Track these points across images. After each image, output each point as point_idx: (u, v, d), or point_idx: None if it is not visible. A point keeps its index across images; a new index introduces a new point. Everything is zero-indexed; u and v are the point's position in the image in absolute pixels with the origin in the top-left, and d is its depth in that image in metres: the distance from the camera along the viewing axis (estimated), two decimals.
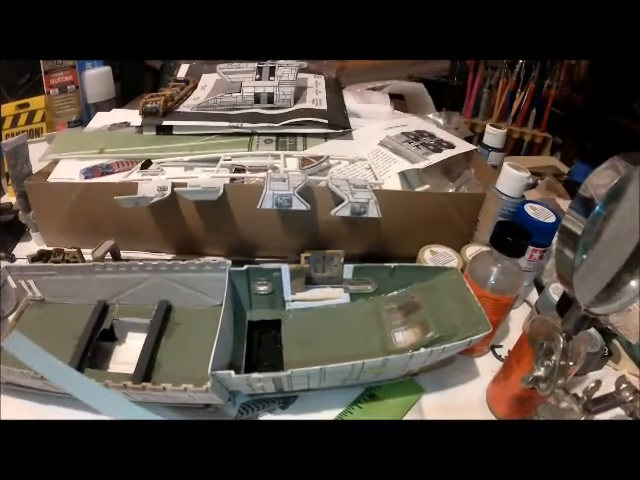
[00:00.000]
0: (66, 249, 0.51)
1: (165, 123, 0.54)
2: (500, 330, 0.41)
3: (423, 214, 0.45)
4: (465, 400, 0.37)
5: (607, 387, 0.28)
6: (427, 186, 0.49)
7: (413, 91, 0.61)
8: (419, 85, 0.60)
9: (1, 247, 0.55)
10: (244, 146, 0.51)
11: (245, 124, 0.52)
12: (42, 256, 0.50)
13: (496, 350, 0.43)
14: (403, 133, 0.53)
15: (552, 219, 0.42)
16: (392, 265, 0.37)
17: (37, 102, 0.66)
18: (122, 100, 0.69)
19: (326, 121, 0.51)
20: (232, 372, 0.28)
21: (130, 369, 0.34)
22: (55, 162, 0.55)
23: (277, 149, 0.50)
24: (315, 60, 0.63)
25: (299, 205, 0.38)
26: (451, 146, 0.52)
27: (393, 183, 0.46)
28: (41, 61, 0.65)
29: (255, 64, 0.57)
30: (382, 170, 0.48)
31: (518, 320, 0.45)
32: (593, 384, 0.27)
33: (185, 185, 0.42)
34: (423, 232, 0.45)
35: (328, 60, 0.65)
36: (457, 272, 0.37)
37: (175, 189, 0.41)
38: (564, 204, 0.49)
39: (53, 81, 0.66)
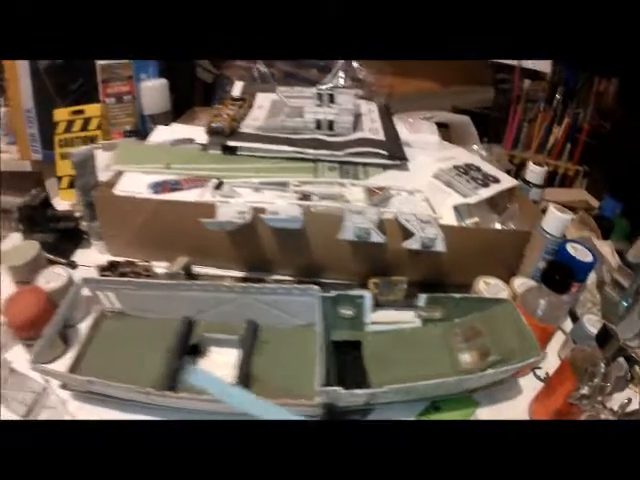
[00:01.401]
0: (138, 262, 0.58)
1: (231, 144, 0.61)
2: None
3: (476, 247, 0.53)
4: (512, 414, 0.46)
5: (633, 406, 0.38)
6: (476, 219, 0.58)
7: (460, 123, 0.70)
8: (466, 117, 0.69)
9: (61, 253, 0.62)
10: (309, 172, 0.59)
11: (309, 150, 0.60)
12: (112, 267, 0.58)
13: (536, 372, 0.52)
14: (454, 166, 0.62)
15: (590, 259, 0.51)
16: (458, 296, 0.46)
17: (93, 110, 0.73)
18: (174, 113, 0.76)
19: (386, 153, 0.60)
20: (340, 388, 0.36)
21: None
22: (119, 173, 0.62)
23: (341, 177, 0.58)
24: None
25: (377, 238, 0.47)
26: (496, 180, 0.61)
27: (448, 216, 0.55)
28: (98, 70, 0.72)
29: (314, 89, 0.65)
30: (438, 202, 0.57)
31: (553, 346, 0.55)
32: (626, 400, 0.37)
33: (263, 210, 0.50)
34: (474, 263, 0.54)
35: (376, 87, 0.73)
36: (512, 304, 0.46)
37: (260, 216, 0.49)
38: (599, 244, 0.59)
39: (110, 90, 0.73)
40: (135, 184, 0.59)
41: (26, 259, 0.53)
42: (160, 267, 0.57)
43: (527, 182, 0.64)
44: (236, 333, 0.46)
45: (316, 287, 0.45)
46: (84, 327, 0.50)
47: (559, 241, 0.53)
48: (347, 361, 0.43)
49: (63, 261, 0.62)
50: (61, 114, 0.73)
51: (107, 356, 0.46)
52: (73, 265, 0.62)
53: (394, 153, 0.60)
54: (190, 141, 0.65)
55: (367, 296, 0.45)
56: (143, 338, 0.48)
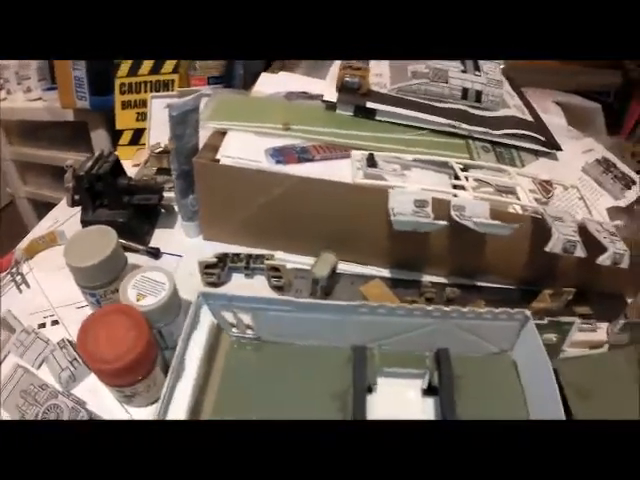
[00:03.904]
0: (265, 259, 0.40)
1: (369, 105, 0.43)
2: None
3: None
4: None
5: None
6: (619, 222, 0.47)
7: (588, 109, 0.56)
8: (597, 105, 0.55)
9: (136, 237, 0.42)
10: (463, 151, 0.43)
11: (464, 125, 0.44)
12: (220, 262, 0.40)
13: None
14: (597, 161, 0.49)
15: None
16: None
17: None
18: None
19: (543, 139, 0.45)
20: None
21: None
22: (220, 133, 0.42)
23: (497, 161, 0.43)
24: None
25: (581, 252, 0.34)
26: (633, 181, 0.50)
27: (602, 218, 0.43)
28: None
29: None
30: (591, 202, 0.45)
31: None
32: None
33: (445, 204, 0.35)
34: (623, 273, 0.43)
35: None
36: None
37: (454, 214, 0.34)
38: None
39: None
40: (246, 150, 0.40)
41: (101, 256, 0.31)
42: (291, 262, 0.40)
43: None
44: (422, 366, 0.31)
45: (527, 312, 0.32)
46: (192, 355, 0.29)
47: None
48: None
49: (141, 248, 0.42)
50: None
51: (239, 398, 0.29)
52: (155, 254, 0.42)
53: (550, 140, 0.46)
54: (308, 96, 0.46)
55: (576, 323, 0.34)
56: (294, 373, 0.31)
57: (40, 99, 0.77)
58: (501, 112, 0.47)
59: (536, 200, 0.39)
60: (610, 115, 0.59)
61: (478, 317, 0.31)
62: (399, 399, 0.31)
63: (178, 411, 0.27)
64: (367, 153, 0.39)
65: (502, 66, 0.56)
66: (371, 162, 0.39)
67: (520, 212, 0.37)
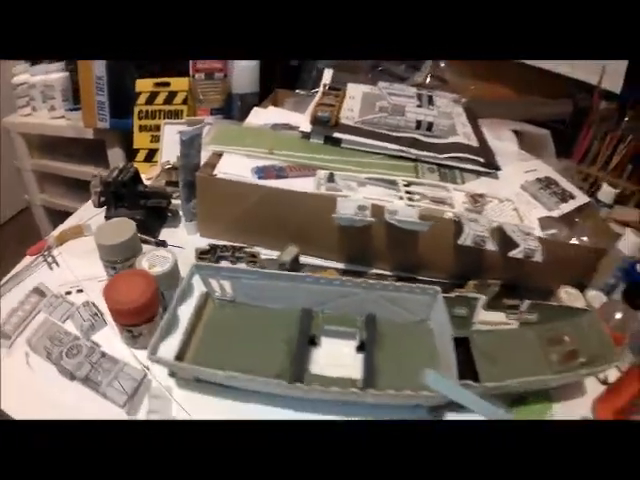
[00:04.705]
0: (244, 247, 0.59)
1: (336, 135, 0.63)
2: None
3: (555, 258, 0.58)
4: (582, 412, 0.53)
5: None
6: (554, 231, 0.63)
7: (538, 135, 0.74)
8: (545, 131, 0.73)
9: (148, 232, 0.62)
10: (411, 171, 0.62)
11: (412, 150, 0.62)
12: (212, 250, 0.59)
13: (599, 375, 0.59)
14: (538, 179, 0.67)
15: None
16: (554, 304, 0.51)
17: (180, 83, 0.72)
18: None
19: (483, 160, 0.63)
20: (470, 381, 0.41)
21: (332, 372, 0.44)
22: (217, 154, 0.62)
23: (440, 179, 0.61)
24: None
25: (491, 246, 0.51)
26: (572, 196, 0.66)
27: (534, 227, 0.60)
28: None
29: (414, 90, 0.67)
30: (525, 213, 0.61)
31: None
32: None
33: (382, 209, 0.53)
34: (552, 272, 0.59)
35: (460, 89, 0.75)
36: (596, 314, 0.52)
37: (387, 215, 0.52)
38: None
39: (200, 66, 0.72)
40: (237, 167, 0.60)
41: (124, 237, 0.49)
42: (264, 254, 0.59)
43: (598, 201, 0.69)
44: (354, 326, 0.49)
45: (437, 288, 0.49)
46: (184, 313, 0.47)
47: (631, 261, 0.59)
48: (458, 355, 0.48)
49: (152, 240, 0.62)
50: (144, 84, 0.72)
51: (217, 345, 0.46)
52: (163, 244, 0.62)
53: (489, 161, 0.64)
54: (289, 127, 0.66)
55: (481, 298, 0.50)
56: (259, 328, 0.48)
57: (63, 117, 1.01)
58: (450, 139, 0.65)
59: (467, 210, 0.57)
60: (565, 141, 0.76)
61: (397, 290, 0.48)
62: (337, 353, 0.48)
63: (168, 349, 0.43)
64: (328, 172, 0.58)
65: (464, 100, 0.75)
66: (330, 179, 0.57)
67: (446, 217, 0.55)
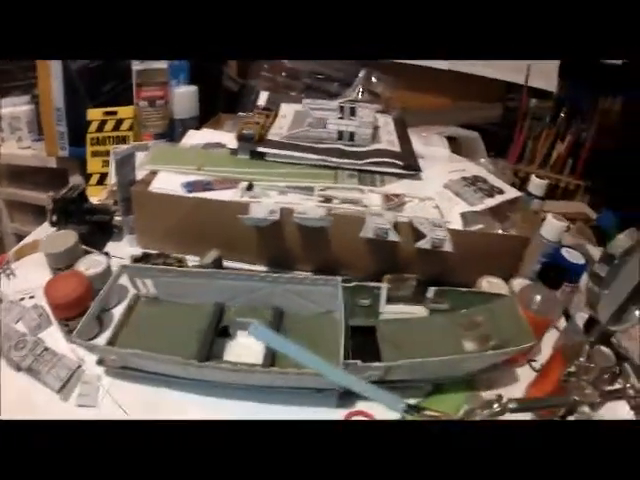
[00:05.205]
0: (170, 254, 0.69)
1: (260, 150, 0.73)
2: (535, 349, 0.62)
3: (479, 250, 0.65)
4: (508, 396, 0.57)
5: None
6: (481, 226, 0.70)
7: (469, 137, 0.83)
8: (475, 134, 0.82)
9: (94, 245, 0.72)
10: (330, 178, 0.71)
11: (332, 158, 0.72)
12: (145, 257, 0.69)
13: (532, 363, 0.63)
14: (463, 178, 0.74)
15: (582, 261, 0.63)
16: (463, 290, 0.57)
17: (126, 112, 0.85)
18: (200, 118, 0.88)
19: (402, 163, 0.72)
20: (359, 361, 0.47)
21: (240, 360, 0.51)
22: (153, 172, 0.73)
23: (359, 183, 0.70)
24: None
25: (393, 237, 0.59)
26: (501, 192, 0.73)
27: (455, 222, 0.67)
28: (134, 74, 0.84)
29: (336, 102, 0.77)
30: (447, 210, 0.69)
31: (548, 341, 0.66)
32: (606, 376, 0.48)
33: (291, 210, 0.62)
34: (477, 264, 0.65)
35: (392, 101, 0.86)
36: (512, 298, 0.57)
37: (294, 214, 0.60)
38: (592, 250, 0.70)
39: (144, 94, 0.85)
40: (169, 183, 0.71)
41: (66, 246, 0.62)
42: (191, 260, 0.68)
43: (529, 194, 0.76)
44: (264, 318, 0.56)
45: (338, 278, 0.56)
46: (118, 312, 0.59)
47: (555, 246, 0.65)
48: (363, 343, 0.54)
49: (96, 252, 0.72)
50: (94, 114, 0.85)
51: (141, 336, 0.55)
52: (107, 256, 0.72)
53: (409, 164, 0.73)
54: (220, 145, 0.77)
55: (383, 287, 0.57)
56: (176, 321, 0.58)
57: (29, 147, 1.15)
58: (372, 147, 0.75)
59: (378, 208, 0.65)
60: (500, 142, 0.85)
61: (300, 282, 0.56)
62: (247, 344, 0.55)
63: (99, 341, 0.53)
64: (247, 183, 0.68)
65: (395, 111, 0.86)
66: (249, 188, 0.67)
67: (350, 214, 0.63)
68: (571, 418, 0.47)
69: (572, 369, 0.49)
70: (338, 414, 0.52)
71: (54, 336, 0.59)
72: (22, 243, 0.77)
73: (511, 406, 0.41)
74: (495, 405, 0.40)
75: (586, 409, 0.46)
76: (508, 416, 0.40)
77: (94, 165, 0.87)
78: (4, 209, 1.29)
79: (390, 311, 0.58)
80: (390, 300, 0.60)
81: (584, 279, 0.67)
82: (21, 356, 0.53)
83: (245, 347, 0.55)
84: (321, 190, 0.67)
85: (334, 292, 0.56)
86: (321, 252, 0.65)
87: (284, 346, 0.45)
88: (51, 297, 0.55)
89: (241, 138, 0.73)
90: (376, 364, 0.48)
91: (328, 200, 0.67)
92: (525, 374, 0.61)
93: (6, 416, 0.50)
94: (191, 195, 0.68)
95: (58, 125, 0.94)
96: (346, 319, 0.53)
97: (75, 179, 1.03)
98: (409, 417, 0.41)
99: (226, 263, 0.68)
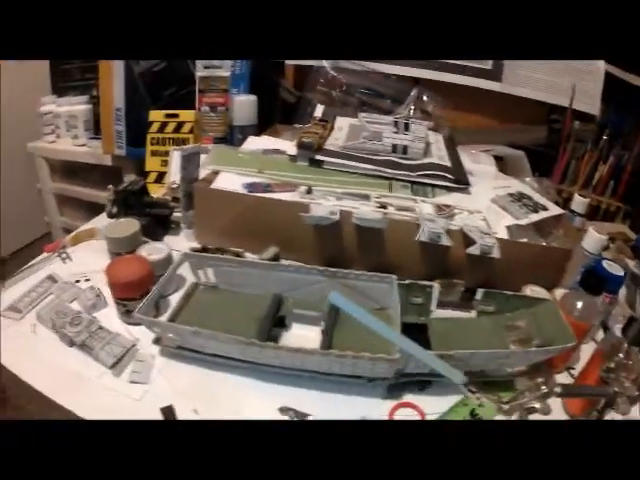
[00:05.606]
0: (232, 248, 0.79)
1: (318, 157, 0.85)
2: (574, 356, 0.70)
3: (524, 260, 0.74)
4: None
5: None
6: (525, 239, 0.79)
7: (515, 156, 0.93)
8: (521, 153, 0.92)
9: (152, 237, 0.82)
10: (385, 188, 0.81)
11: (387, 170, 0.83)
12: (204, 250, 0.79)
13: (571, 371, 0.72)
14: (509, 194, 0.84)
15: (621, 273, 0.72)
16: (509, 293, 0.67)
17: (187, 115, 0.97)
18: (258, 127, 1.00)
19: (452, 177, 0.82)
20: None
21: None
22: (215, 172, 0.85)
23: (412, 194, 0.81)
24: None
25: (446, 241, 0.69)
26: (545, 208, 0.83)
27: (502, 234, 0.77)
28: (197, 80, 0.96)
29: (391, 118, 0.88)
30: (494, 222, 0.79)
31: (586, 352, 0.74)
32: None
33: (350, 213, 0.72)
34: (522, 274, 0.74)
35: (442, 119, 0.97)
36: (553, 303, 0.66)
37: (353, 215, 0.71)
38: (631, 264, 0.80)
39: (206, 100, 0.97)
40: (230, 183, 0.82)
41: (129, 232, 0.71)
42: (248, 257, 0.77)
43: (572, 211, 0.86)
44: (320, 311, 0.65)
45: (394, 276, 0.66)
46: (174, 299, 0.67)
47: (596, 258, 0.74)
48: (415, 340, 0.63)
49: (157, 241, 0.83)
50: (156, 115, 0.98)
51: (200, 318, 0.61)
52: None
53: (459, 178, 0.83)
54: (279, 152, 0.89)
55: (435, 286, 0.67)
56: (235, 308, 0.66)
57: (84, 145, 1.28)
58: (425, 160, 0.86)
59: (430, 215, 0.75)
60: (545, 163, 0.95)
61: (357, 278, 0.66)
62: (303, 335, 0.64)
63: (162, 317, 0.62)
64: (306, 187, 0.79)
65: (446, 129, 0.97)
66: (309, 192, 0.78)
67: (410, 220, 0.73)
68: (609, 411, 0.56)
69: (612, 365, 0.58)
70: (387, 405, 0.58)
71: (108, 317, 0.65)
72: (79, 230, 0.86)
73: (557, 390, 0.49)
74: (543, 387, 0.49)
75: (624, 402, 0.54)
76: (537, 416, 0.48)
77: (152, 164, 0.99)
78: (54, 203, 1.43)
79: (439, 315, 0.68)
80: (438, 305, 0.70)
81: (622, 293, 0.76)
82: (76, 332, 0.59)
83: (300, 338, 0.63)
84: (377, 198, 0.78)
85: (389, 289, 0.66)
86: (376, 254, 0.75)
87: (360, 314, 0.54)
88: (113, 276, 0.62)
89: (301, 146, 0.85)
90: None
91: (384, 207, 0.77)
92: (563, 381, 0.69)
93: (57, 388, 0.56)
94: (257, 194, 0.79)
95: (117, 124, 1.07)
96: (400, 316, 0.62)
97: (129, 178, 1.15)
98: (468, 394, 0.50)
99: (284, 261, 0.78)
